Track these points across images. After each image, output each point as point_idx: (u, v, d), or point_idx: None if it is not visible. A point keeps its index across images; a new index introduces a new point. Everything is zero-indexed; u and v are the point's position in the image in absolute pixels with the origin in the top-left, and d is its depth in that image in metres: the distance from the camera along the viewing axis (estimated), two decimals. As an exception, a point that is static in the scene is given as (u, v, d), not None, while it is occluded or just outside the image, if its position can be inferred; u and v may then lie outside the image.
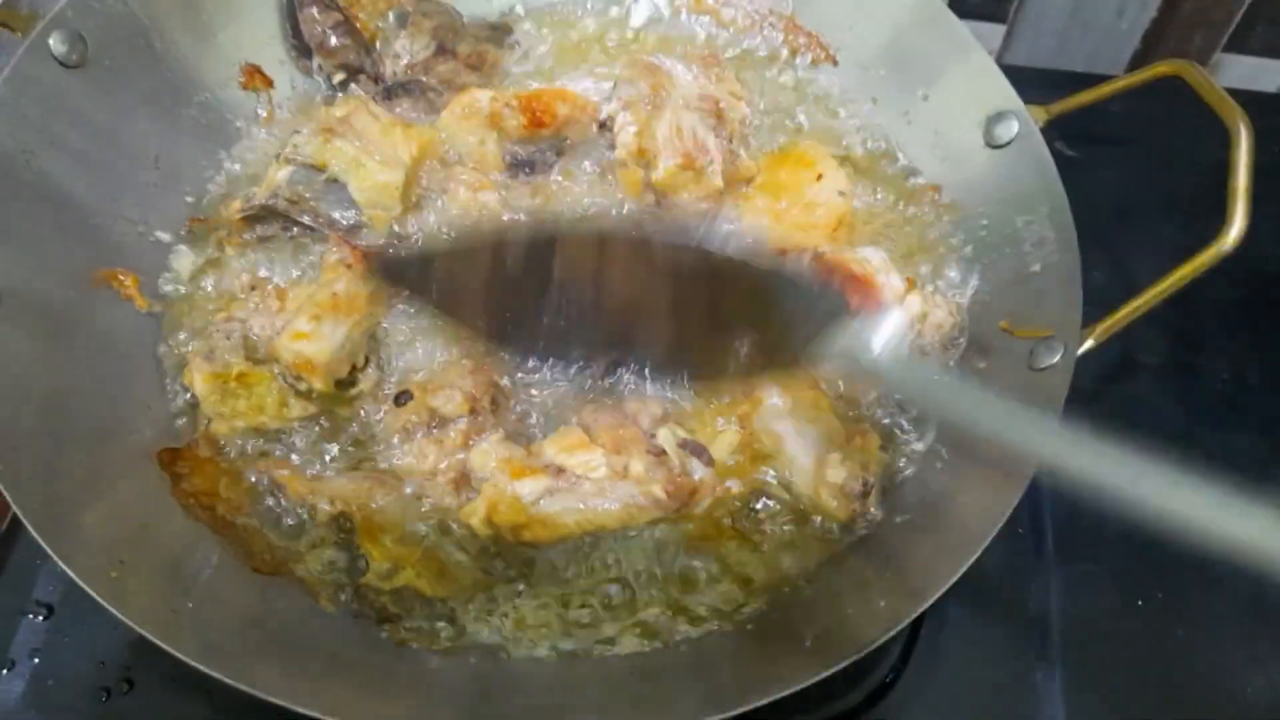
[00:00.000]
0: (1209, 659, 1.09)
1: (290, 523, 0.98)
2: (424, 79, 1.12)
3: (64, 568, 0.80)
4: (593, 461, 0.94)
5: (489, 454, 0.95)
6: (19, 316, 0.93)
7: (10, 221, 0.95)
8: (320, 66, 1.14)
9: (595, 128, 1.08)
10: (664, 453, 0.96)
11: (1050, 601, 1.11)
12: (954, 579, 0.84)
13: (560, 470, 0.94)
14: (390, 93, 1.13)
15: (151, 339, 1.05)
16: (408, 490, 0.97)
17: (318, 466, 1.00)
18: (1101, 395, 1.24)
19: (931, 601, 0.84)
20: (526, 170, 1.10)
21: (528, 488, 0.92)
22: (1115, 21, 1.55)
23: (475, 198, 1.04)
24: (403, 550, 0.95)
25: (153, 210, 1.09)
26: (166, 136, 1.10)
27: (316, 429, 1.02)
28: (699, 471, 0.97)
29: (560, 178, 1.12)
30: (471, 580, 0.96)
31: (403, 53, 1.12)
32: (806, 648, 0.89)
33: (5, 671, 1.03)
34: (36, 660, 1.04)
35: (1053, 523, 1.15)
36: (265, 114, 1.17)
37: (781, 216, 1.11)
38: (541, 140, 1.10)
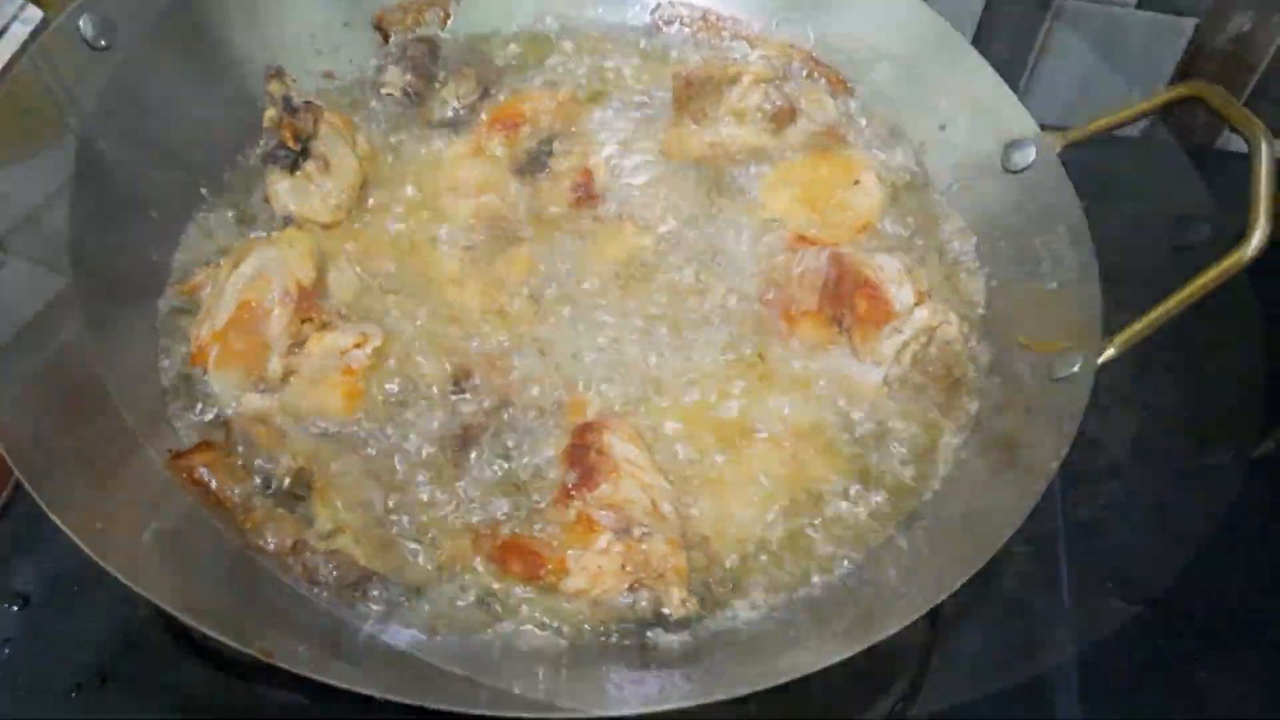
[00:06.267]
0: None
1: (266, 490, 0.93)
2: (464, 113, 1.23)
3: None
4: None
5: None
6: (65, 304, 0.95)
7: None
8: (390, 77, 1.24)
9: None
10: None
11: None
12: (974, 571, 0.82)
13: None
14: (432, 125, 1.23)
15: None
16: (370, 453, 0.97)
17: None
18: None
19: (949, 594, 0.81)
20: (535, 169, 1.19)
21: None
22: (1127, 94, 1.59)
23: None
24: (350, 517, 0.91)
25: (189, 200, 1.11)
26: (200, 121, 1.13)
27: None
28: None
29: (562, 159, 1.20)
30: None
31: (450, 99, 1.23)
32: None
33: (-25, 661, 0.98)
34: (7, 651, 0.98)
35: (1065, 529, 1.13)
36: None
37: (812, 205, 1.16)
38: (530, 139, 1.21)
